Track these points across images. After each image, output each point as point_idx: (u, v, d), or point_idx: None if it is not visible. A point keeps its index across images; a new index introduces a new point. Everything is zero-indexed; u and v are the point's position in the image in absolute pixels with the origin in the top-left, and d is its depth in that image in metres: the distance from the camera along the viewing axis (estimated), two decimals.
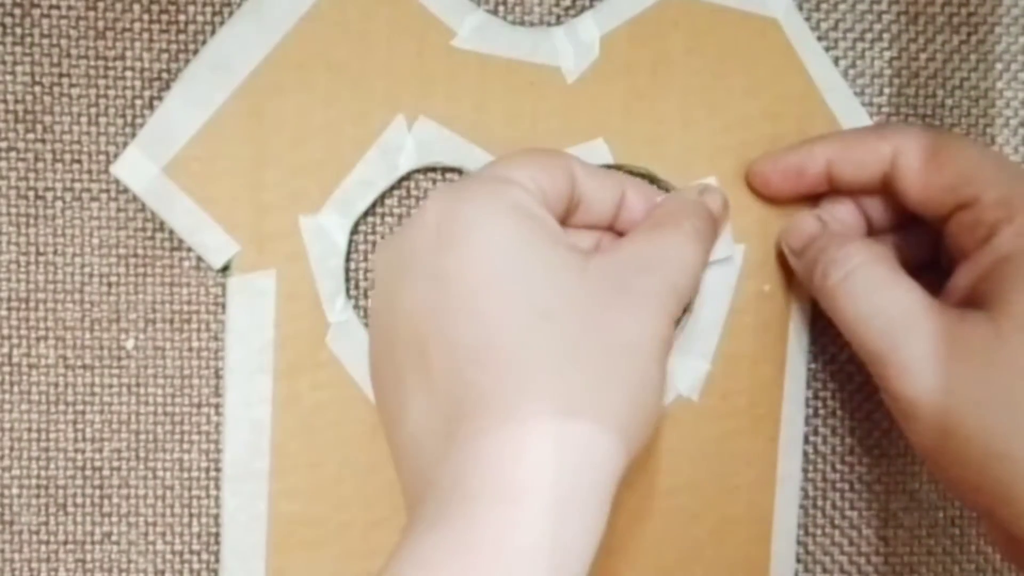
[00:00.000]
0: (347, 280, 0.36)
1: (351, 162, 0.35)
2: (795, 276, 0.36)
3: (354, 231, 0.36)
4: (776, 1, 0.37)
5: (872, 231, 0.36)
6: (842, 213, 0.36)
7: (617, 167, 0.37)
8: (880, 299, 0.32)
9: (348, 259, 0.36)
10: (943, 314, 0.32)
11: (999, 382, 0.30)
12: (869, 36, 0.38)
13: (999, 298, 0.31)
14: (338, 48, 0.35)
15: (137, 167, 0.35)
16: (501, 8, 0.37)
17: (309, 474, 0.35)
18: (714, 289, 0.37)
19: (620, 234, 0.34)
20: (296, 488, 0.35)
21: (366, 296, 0.37)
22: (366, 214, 0.36)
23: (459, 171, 0.36)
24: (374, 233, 0.37)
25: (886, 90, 0.38)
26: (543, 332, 0.28)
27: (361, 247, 0.37)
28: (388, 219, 0.37)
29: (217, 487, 0.36)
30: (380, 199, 0.36)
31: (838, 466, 0.38)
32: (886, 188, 0.35)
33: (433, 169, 0.36)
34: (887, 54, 0.38)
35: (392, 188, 0.36)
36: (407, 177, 0.36)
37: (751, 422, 0.37)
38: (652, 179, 0.37)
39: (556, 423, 0.27)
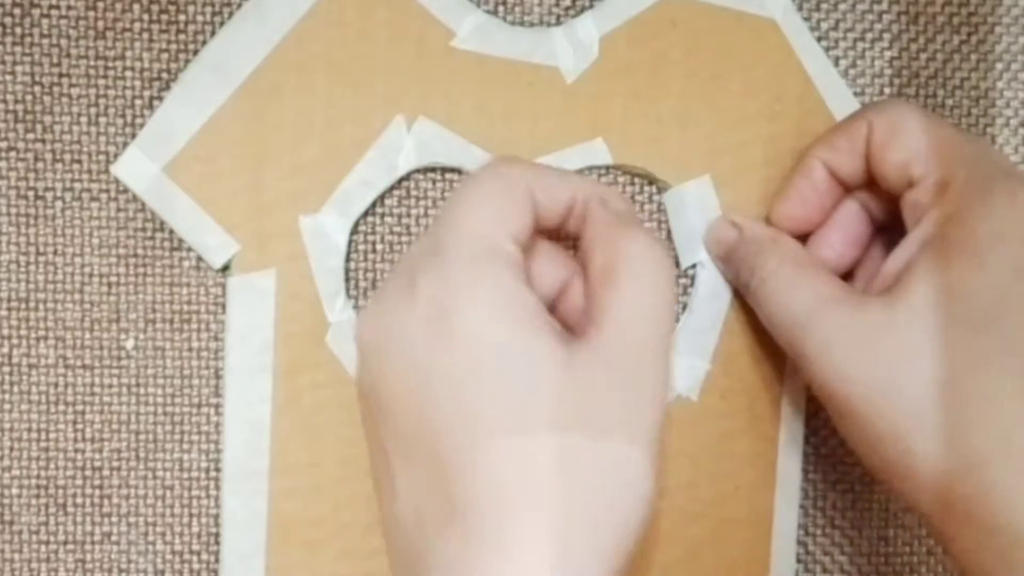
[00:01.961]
0: (347, 280, 0.36)
1: (351, 162, 0.35)
2: None
3: (354, 231, 0.36)
4: (774, 2, 0.37)
5: (880, 223, 0.36)
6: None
7: (616, 167, 0.37)
8: (786, 298, 0.33)
9: (348, 259, 0.36)
10: (845, 303, 0.32)
11: (886, 366, 0.31)
12: (869, 36, 0.38)
13: (902, 283, 0.31)
14: (338, 48, 0.35)
15: (137, 167, 0.35)
16: (501, 8, 0.37)
17: (309, 474, 0.35)
18: (713, 289, 0.37)
19: (572, 238, 0.32)
20: (296, 487, 0.35)
21: (366, 296, 0.37)
22: (366, 214, 0.36)
23: (458, 171, 0.36)
24: (374, 233, 0.37)
25: (886, 90, 0.38)
26: (531, 445, 0.27)
27: (361, 247, 0.37)
28: (388, 219, 0.37)
29: (217, 487, 0.36)
30: (380, 199, 0.36)
31: (838, 466, 0.38)
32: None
33: (432, 169, 0.36)
34: (887, 54, 0.38)
35: (392, 188, 0.36)
36: (407, 177, 0.36)
37: (750, 422, 0.37)
38: (651, 179, 0.37)
39: (549, 566, 0.26)
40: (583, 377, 0.28)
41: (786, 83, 0.37)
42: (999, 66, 0.38)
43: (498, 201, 0.30)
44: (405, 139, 0.35)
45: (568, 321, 0.31)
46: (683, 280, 0.37)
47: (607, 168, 0.37)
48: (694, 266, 0.37)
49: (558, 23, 0.37)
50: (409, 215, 0.37)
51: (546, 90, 0.36)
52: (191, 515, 0.37)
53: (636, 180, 0.37)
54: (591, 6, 0.37)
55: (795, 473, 0.37)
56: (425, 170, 0.36)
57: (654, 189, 0.37)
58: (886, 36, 0.38)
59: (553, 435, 0.27)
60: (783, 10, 0.37)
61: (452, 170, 0.37)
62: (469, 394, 0.27)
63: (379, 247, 0.37)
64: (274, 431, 0.35)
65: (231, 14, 0.36)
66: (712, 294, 0.37)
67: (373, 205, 0.36)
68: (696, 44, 0.36)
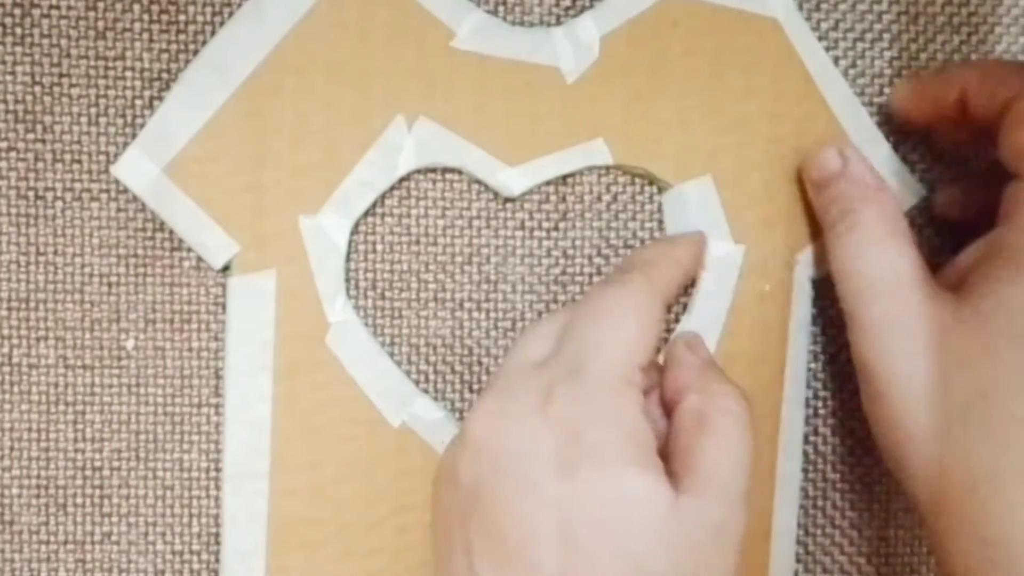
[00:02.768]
0: (347, 280, 0.36)
1: (351, 163, 0.35)
2: (795, 277, 0.37)
3: (354, 231, 0.36)
4: (776, 0, 0.37)
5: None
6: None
7: (616, 167, 0.37)
8: (869, 258, 0.33)
9: (348, 259, 0.36)
10: (920, 289, 0.32)
11: (940, 366, 0.31)
12: (869, 36, 0.38)
13: (976, 287, 0.31)
14: (338, 49, 0.35)
15: (137, 168, 0.35)
16: (501, 8, 0.37)
17: (309, 474, 0.35)
18: (714, 289, 0.37)
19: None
20: (296, 488, 0.35)
21: (366, 296, 0.37)
22: (366, 214, 0.36)
23: (458, 172, 0.36)
24: (374, 233, 0.37)
25: (886, 90, 0.38)
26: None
27: (361, 247, 0.37)
28: (388, 219, 0.37)
29: (217, 487, 0.36)
30: (380, 199, 0.36)
31: (838, 466, 0.38)
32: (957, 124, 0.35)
33: (433, 170, 0.36)
34: (887, 54, 0.38)
35: (392, 188, 0.36)
36: (407, 177, 0.36)
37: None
38: (651, 179, 0.37)
39: None
40: (690, 531, 0.28)
41: (787, 83, 0.37)
42: None
43: (641, 321, 0.30)
44: (405, 139, 0.35)
45: None
46: None
47: (607, 168, 0.37)
48: None
49: (558, 23, 0.37)
50: (409, 215, 0.37)
51: (546, 90, 0.36)
52: (191, 515, 0.37)
53: (636, 180, 0.37)
54: (591, 6, 0.37)
55: (795, 474, 0.37)
56: (425, 170, 0.36)
57: (655, 189, 0.37)
58: (886, 36, 0.38)
59: None
60: (785, 9, 0.37)
61: (452, 170, 0.37)
62: (585, 535, 0.28)
63: (379, 247, 0.37)
64: (274, 431, 0.35)
65: (231, 14, 0.36)
66: (712, 295, 0.37)
67: (373, 205, 0.36)
68: (697, 44, 0.36)
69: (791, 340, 0.37)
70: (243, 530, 0.35)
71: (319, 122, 0.35)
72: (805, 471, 0.38)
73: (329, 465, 0.36)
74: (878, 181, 0.35)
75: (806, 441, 0.38)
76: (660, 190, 0.37)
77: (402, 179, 0.36)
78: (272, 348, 0.35)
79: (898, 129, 0.38)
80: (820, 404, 0.38)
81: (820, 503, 0.38)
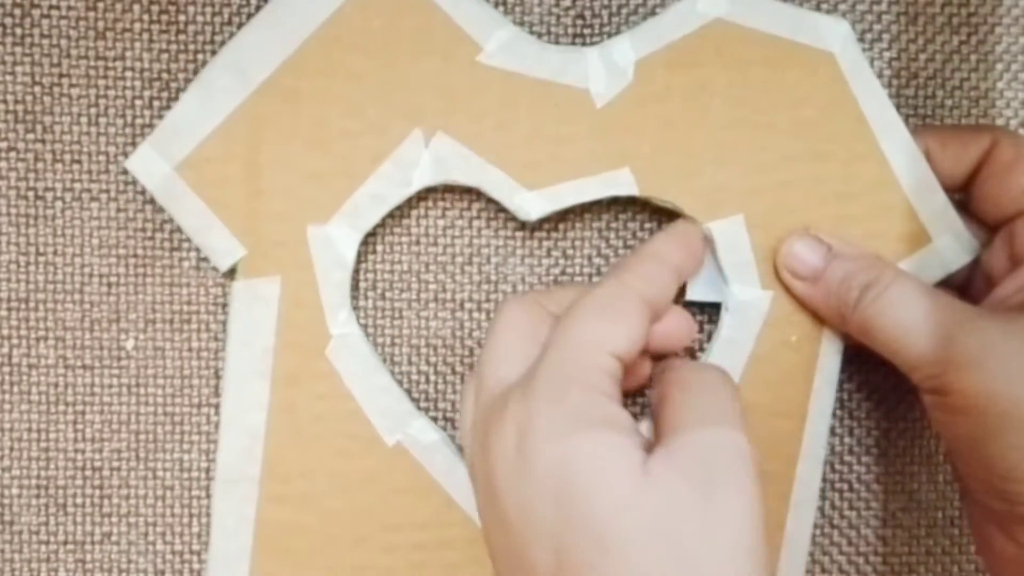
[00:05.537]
0: (352, 293, 0.36)
1: (364, 174, 0.34)
2: (825, 331, 0.35)
3: (363, 244, 0.35)
4: (833, 33, 0.35)
5: None
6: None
7: (642, 199, 0.35)
8: (926, 305, 0.32)
9: (355, 272, 0.36)
10: (987, 317, 0.32)
11: None
12: (869, 36, 0.38)
13: None
14: (360, 57, 0.34)
15: (150, 164, 0.34)
16: (538, 22, 0.36)
17: (300, 483, 0.35)
18: (735, 335, 0.35)
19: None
20: (286, 496, 0.35)
21: (366, 297, 0.37)
22: (376, 228, 0.35)
23: (475, 192, 0.36)
24: (374, 234, 0.36)
25: (886, 90, 0.38)
26: (609, 563, 0.26)
27: (370, 257, 0.36)
28: (389, 220, 0.36)
29: None
30: (392, 214, 0.36)
31: (837, 466, 0.38)
32: (966, 185, 0.35)
33: (449, 188, 0.36)
34: (887, 54, 0.38)
35: (404, 204, 0.35)
36: (423, 194, 0.36)
37: (762, 478, 0.35)
38: (678, 215, 0.35)
39: None
40: (661, 484, 0.27)
41: (837, 122, 0.35)
42: (999, 66, 0.38)
43: (605, 314, 0.30)
44: (422, 154, 0.34)
45: None
46: (699, 316, 0.37)
47: (632, 200, 0.36)
48: (705, 307, 0.36)
49: (591, 43, 0.36)
50: (410, 216, 0.37)
51: (573, 113, 0.34)
52: (191, 515, 0.37)
53: (661, 214, 0.36)
54: (620, 29, 0.36)
55: (804, 534, 0.36)
56: (441, 188, 0.36)
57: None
58: (886, 36, 0.38)
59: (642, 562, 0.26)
60: (842, 42, 0.35)
61: (468, 189, 0.36)
62: (545, 529, 0.27)
63: (380, 248, 0.37)
64: (268, 438, 0.35)
65: (231, 14, 0.36)
66: (733, 341, 0.35)
67: (384, 220, 0.35)
68: (741, 74, 0.34)
69: (815, 395, 0.35)
70: (230, 533, 0.35)
71: (335, 130, 0.34)
72: None
73: (321, 476, 0.35)
74: (869, 250, 0.35)
75: None
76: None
77: (417, 195, 0.35)
78: (272, 355, 0.35)
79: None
80: None
81: (819, 503, 0.38)
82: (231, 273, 0.35)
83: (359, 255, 0.36)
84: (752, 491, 0.27)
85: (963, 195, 0.36)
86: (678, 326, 0.33)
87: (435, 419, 0.37)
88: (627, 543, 0.26)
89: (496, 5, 0.36)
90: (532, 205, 0.35)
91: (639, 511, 0.26)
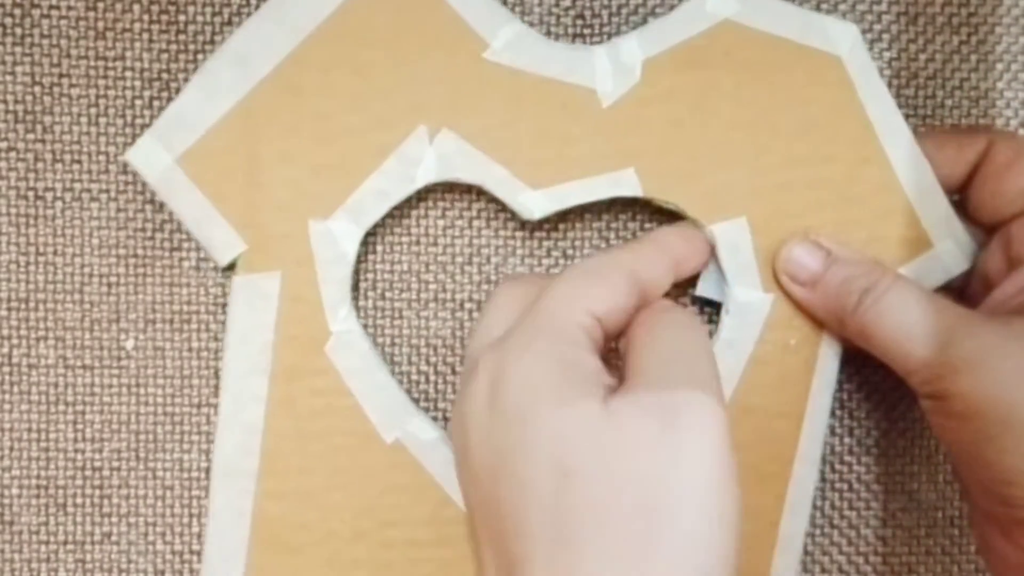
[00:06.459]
0: (352, 293, 0.36)
1: (368, 170, 0.34)
2: (825, 335, 0.35)
3: (365, 241, 0.35)
4: (842, 36, 0.35)
5: None
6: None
7: (645, 200, 0.35)
8: (924, 309, 0.32)
9: (356, 269, 0.36)
10: (986, 320, 0.32)
11: None
12: (869, 36, 0.38)
13: None
14: (365, 51, 0.34)
15: (151, 155, 0.34)
16: (546, 20, 0.36)
17: (298, 479, 0.35)
18: (735, 337, 0.35)
19: None
20: (283, 491, 0.35)
21: (366, 296, 0.37)
22: (376, 228, 0.35)
23: (475, 191, 0.36)
24: (374, 234, 0.36)
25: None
26: (570, 494, 0.26)
27: (370, 257, 0.36)
28: (389, 219, 0.36)
29: None
30: (392, 214, 0.35)
31: (837, 466, 0.38)
32: (962, 187, 0.35)
33: (452, 185, 0.36)
34: (887, 54, 0.38)
35: (405, 203, 0.35)
36: (426, 190, 0.36)
37: (758, 478, 0.35)
38: (681, 216, 0.35)
39: None
40: (623, 425, 0.27)
41: (843, 126, 0.35)
42: (999, 66, 0.38)
43: (590, 278, 0.30)
44: (426, 151, 0.34)
45: None
46: (700, 317, 0.37)
47: (633, 201, 0.36)
48: (712, 306, 0.36)
49: (593, 43, 0.36)
50: (410, 215, 0.37)
51: (579, 112, 0.34)
52: (191, 515, 0.37)
53: (662, 215, 0.36)
54: (628, 30, 0.36)
55: (799, 533, 0.36)
56: (444, 185, 0.36)
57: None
58: (886, 36, 0.38)
59: (596, 493, 0.27)
60: (851, 46, 0.35)
61: (469, 189, 0.36)
62: (522, 468, 0.27)
63: (380, 248, 0.37)
64: (266, 433, 0.35)
65: (231, 14, 0.36)
66: (732, 343, 0.35)
67: (386, 216, 0.35)
68: (748, 75, 0.34)
69: (812, 397, 0.35)
70: (227, 527, 0.35)
71: (338, 125, 0.34)
72: None
73: (318, 472, 0.35)
74: (867, 254, 0.35)
75: None
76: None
77: (420, 192, 0.35)
78: (271, 350, 0.35)
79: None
80: None
81: (819, 503, 0.38)
82: (230, 268, 0.35)
83: (360, 254, 0.36)
84: (715, 431, 0.27)
85: (959, 197, 0.36)
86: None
87: (435, 419, 0.37)
88: (585, 472, 0.27)
89: None
90: (536, 204, 0.35)
91: (596, 441, 0.27)
